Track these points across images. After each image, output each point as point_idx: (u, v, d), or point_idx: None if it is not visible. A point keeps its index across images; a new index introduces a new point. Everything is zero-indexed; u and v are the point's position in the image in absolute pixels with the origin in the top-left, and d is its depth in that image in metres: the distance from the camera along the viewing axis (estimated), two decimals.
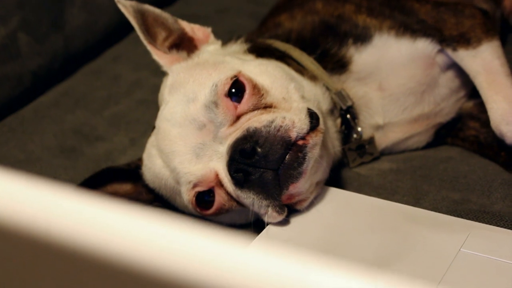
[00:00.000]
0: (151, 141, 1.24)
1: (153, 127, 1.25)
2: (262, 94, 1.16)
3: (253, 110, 1.15)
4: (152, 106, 1.51)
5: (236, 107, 1.15)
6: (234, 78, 1.16)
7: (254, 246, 0.51)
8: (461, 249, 1.05)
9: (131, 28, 1.36)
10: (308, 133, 1.13)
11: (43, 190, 0.55)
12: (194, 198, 1.15)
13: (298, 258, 0.49)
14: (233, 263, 0.49)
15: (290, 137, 1.11)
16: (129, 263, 0.50)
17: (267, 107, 1.16)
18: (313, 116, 1.15)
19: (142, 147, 1.30)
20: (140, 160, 1.29)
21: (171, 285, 0.49)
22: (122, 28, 1.83)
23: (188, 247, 0.50)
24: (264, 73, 1.21)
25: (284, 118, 1.12)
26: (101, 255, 0.51)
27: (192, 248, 0.50)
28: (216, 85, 1.15)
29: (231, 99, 1.15)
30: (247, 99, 1.15)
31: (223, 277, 0.48)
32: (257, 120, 1.12)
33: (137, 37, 1.33)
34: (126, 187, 1.29)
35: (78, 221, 0.52)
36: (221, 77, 1.16)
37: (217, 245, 0.51)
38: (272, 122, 1.11)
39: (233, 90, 1.15)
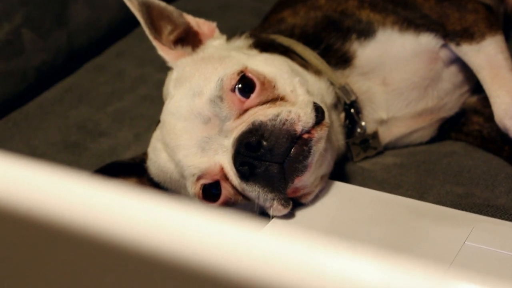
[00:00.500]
0: (156, 135, 1.25)
1: (158, 122, 1.25)
2: (274, 86, 1.17)
3: (261, 103, 1.15)
4: (156, 102, 1.52)
5: (242, 102, 1.15)
6: (241, 74, 1.16)
7: (264, 232, 0.51)
8: (465, 242, 1.05)
9: (135, 24, 1.36)
10: (313, 127, 1.13)
11: (54, 176, 0.55)
12: (200, 191, 1.15)
13: (311, 242, 0.50)
14: (244, 246, 0.49)
15: (296, 130, 1.11)
16: (143, 247, 0.50)
17: (276, 99, 1.16)
18: (318, 110, 1.16)
19: (146, 142, 1.30)
20: (145, 154, 1.29)
21: (183, 269, 0.50)
22: (126, 24, 1.84)
23: (201, 232, 0.50)
24: (270, 66, 1.21)
25: (290, 111, 1.12)
26: (120, 242, 0.51)
27: (204, 232, 0.50)
28: (222, 80, 1.15)
29: (239, 95, 1.15)
30: (257, 94, 1.15)
31: (236, 261, 0.49)
32: (262, 114, 1.13)
33: (141, 32, 1.33)
34: (131, 181, 1.29)
35: (94, 207, 0.52)
36: (227, 72, 1.16)
37: (230, 229, 0.51)
38: (277, 115, 1.11)
39: (240, 86, 1.15)
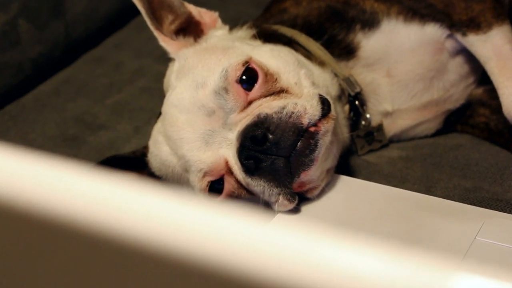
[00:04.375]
0: (157, 127, 1.22)
1: (159, 114, 1.23)
2: (276, 79, 1.15)
3: (265, 95, 1.13)
4: (155, 94, 1.50)
5: (246, 93, 1.13)
6: (246, 65, 1.14)
7: (272, 225, 0.49)
8: (476, 237, 1.04)
9: (133, 15, 1.34)
10: (320, 119, 1.11)
11: (54, 168, 0.53)
12: (207, 188, 1.13)
13: (318, 235, 0.48)
14: (250, 240, 0.48)
15: (302, 123, 1.09)
16: (146, 242, 0.49)
17: (279, 92, 1.14)
18: (324, 103, 1.14)
19: (146, 135, 1.28)
20: (145, 147, 1.27)
21: (188, 263, 0.48)
22: (124, 14, 1.82)
23: (205, 226, 0.49)
24: (275, 58, 1.19)
25: (296, 104, 1.10)
26: (123, 237, 0.49)
27: (208, 227, 0.49)
28: (227, 71, 1.13)
29: (242, 86, 1.13)
30: (260, 86, 1.13)
31: (241, 255, 0.48)
32: (268, 106, 1.10)
33: (140, 23, 1.31)
34: (131, 175, 1.27)
35: (92, 200, 0.50)
36: (232, 62, 1.14)
37: (236, 223, 0.50)
38: (283, 108, 1.09)
39: (244, 77, 1.13)
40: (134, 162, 1.27)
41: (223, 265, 0.47)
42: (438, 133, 1.41)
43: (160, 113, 1.22)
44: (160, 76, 1.33)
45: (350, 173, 1.30)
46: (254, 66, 1.14)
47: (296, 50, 1.29)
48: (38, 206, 0.51)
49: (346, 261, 0.47)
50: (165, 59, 1.30)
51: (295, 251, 0.47)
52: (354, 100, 1.33)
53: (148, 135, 1.26)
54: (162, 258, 0.49)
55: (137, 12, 1.26)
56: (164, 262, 0.49)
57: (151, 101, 1.56)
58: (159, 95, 1.28)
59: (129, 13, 1.65)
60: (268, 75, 1.14)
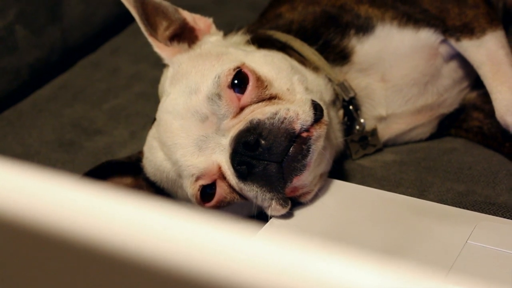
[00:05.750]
0: (152, 133, 1.23)
1: (154, 119, 1.24)
2: (266, 86, 1.15)
3: (256, 101, 1.14)
4: (152, 99, 1.50)
5: (239, 99, 1.13)
6: (237, 69, 1.14)
7: (259, 237, 0.49)
8: (467, 241, 1.04)
9: (130, 20, 1.34)
10: (312, 125, 1.11)
11: (47, 182, 0.54)
12: (199, 192, 1.14)
13: (307, 247, 0.49)
14: (239, 252, 0.48)
15: (294, 129, 1.10)
16: (135, 254, 0.49)
17: (271, 98, 1.14)
18: (317, 108, 1.14)
19: (142, 140, 1.28)
20: (140, 153, 1.27)
21: (177, 275, 0.48)
22: (121, 20, 1.82)
23: (195, 237, 0.49)
24: (269, 64, 1.20)
25: (288, 110, 1.10)
26: (109, 247, 0.50)
27: (199, 238, 0.49)
28: (219, 77, 1.13)
29: (234, 91, 1.13)
30: (251, 91, 1.14)
31: (229, 267, 0.48)
32: (260, 112, 1.11)
33: (136, 29, 1.31)
34: (127, 180, 1.27)
35: (82, 212, 0.51)
36: (224, 69, 1.14)
37: (223, 235, 0.50)
38: (276, 114, 1.10)
39: (236, 82, 1.14)
40: (129, 167, 1.27)
41: (212, 277, 0.48)
42: (432, 137, 1.42)
43: (155, 119, 1.23)
44: (156, 81, 1.33)
45: (345, 177, 1.30)
46: (246, 70, 1.15)
47: (290, 55, 1.30)
48: (27, 217, 0.52)
49: (331, 275, 0.47)
50: (161, 65, 1.31)
51: (280, 264, 0.47)
52: (349, 105, 1.33)
53: (143, 140, 1.27)
54: (151, 271, 0.49)
55: (134, 18, 1.27)
56: (152, 274, 0.49)
57: (147, 106, 1.56)
58: (155, 100, 1.28)
59: (125, 19, 1.66)
60: (260, 81, 1.15)
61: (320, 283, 0.46)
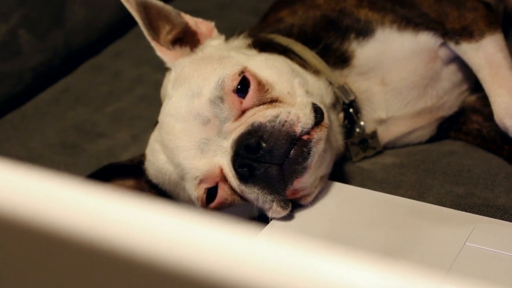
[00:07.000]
0: (154, 136, 1.24)
1: (156, 122, 1.25)
2: (267, 89, 1.16)
3: (258, 105, 1.15)
4: (154, 102, 1.50)
5: (241, 102, 1.15)
6: (242, 74, 1.15)
7: (260, 239, 0.50)
8: (466, 243, 1.05)
9: (132, 24, 1.35)
10: (313, 127, 1.13)
11: (50, 184, 0.54)
12: (205, 195, 1.15)
13: (307, 248, 0.49)
14: (240, 254, 0.49)
15: (295, 132, 1.11)
16: (137, 256, 0.50)
17: (272, 101, 1.16)
18: (317, 111, 1.15)
19: (144, 143, 1.29)
20: (143, 155, 1.28)
21: (179, 276, 0.49)
22: (123, 24, 1.83)
23: (196, 239, 0.50)
24: (270, 67, 1.21)
25: (289, 113, 1.12)
26: (112, 249, 0.50)
27: (201, 240, 0.50)
28: (223, 80, 1.15)
29: (237, 95, 1.15)
30: (252, 95, 1.15)
31: (230, 268, 0.48)
32: (261, 115, 1.12)
33: (139, 32, 1.32)
34: (129, 183, 1.28)
35: (86, 214, 0.52)
36: (228, 73, 1.16)
37: (225, 236, 0.51)
38: (277, 117, 1.11)
39: (239, 86, 1.15)
40: (131, 170, 1.28)
41: (213, 278, 0.48)
42: (431, 139, 1.42)
43: (157, 122, 1.24)
44: (158, 84, 1.34)
45: (345, 179, 1.31)
46: (248, 75, 1.16)
47: (291, 59, 1.31)
48: (31, 219, 0.52)
49: (331, 276, 0.47)
50: (163, 68, 1.32)
51: (280, 266, 0.48)
52: (349, 108, 1.34)
53: (145, 143, 1.28)
54: (153, 272, 0.50)
55: (136, 22, 1.28)
56: (154, 274, 0.50)
57: (149, 109, 1.57)
58: (158, 104, 1.29)
59: (128, 23, 1.66)
60: (261, 85, 1.16)
61: (320, 284, 0.47)
